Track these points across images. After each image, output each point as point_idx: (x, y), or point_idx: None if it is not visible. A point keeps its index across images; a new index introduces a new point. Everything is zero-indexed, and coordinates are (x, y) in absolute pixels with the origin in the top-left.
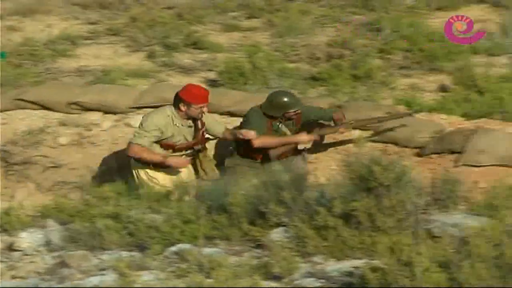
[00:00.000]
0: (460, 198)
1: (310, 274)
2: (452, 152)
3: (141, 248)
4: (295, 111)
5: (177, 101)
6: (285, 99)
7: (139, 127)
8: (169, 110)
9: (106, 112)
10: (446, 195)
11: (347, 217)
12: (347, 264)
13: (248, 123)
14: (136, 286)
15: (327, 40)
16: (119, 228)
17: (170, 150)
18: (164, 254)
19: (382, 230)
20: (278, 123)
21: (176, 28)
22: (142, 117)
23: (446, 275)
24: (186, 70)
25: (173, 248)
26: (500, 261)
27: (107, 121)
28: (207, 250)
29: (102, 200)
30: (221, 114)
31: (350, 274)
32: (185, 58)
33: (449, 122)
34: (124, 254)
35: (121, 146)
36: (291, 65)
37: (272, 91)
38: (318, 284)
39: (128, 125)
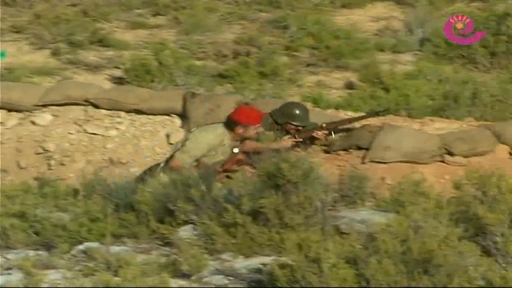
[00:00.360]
0: (367, 194)
1: (219, 272)
2: (359, 149)
3: (48, 247)
4: (296, 126)
5: (233, 124)
6: (296, 112)
7: (188, 140)
8: (221, 130)
9: (10, 110)
10: (353, 191)
11: (255, 214)
12: (255, 261)
13: None
14: (42, 285)
15: (234, 38)
16: (25, 227)
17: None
18: (71, 253)
19: (290, 227)
20: (279, 131)
21: (81, 25)
22: (192, 131)
23: (353, 271)
24: (91, 67)
25: (80, 247)
26: (406, 257)
27: (12, 119)
28: (115, 249)
29: (8, 199)
30: (128, 112)
31: (258, 271)
32: (90, 55)
33: None
34: (31, 253)
35: (26, 144)
36: (198, 63)
37: (292, 101)
38: (227, 282)
39: (33, 123)
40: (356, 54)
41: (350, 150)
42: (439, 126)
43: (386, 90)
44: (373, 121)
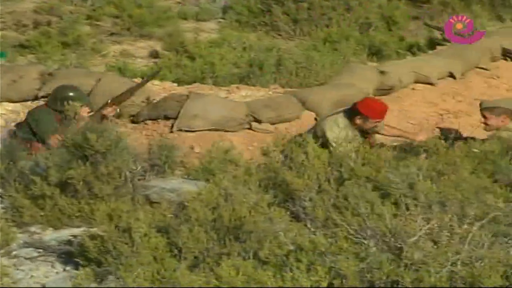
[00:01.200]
0: (176, 163)
1: (28, 244)
2: (167, 118)
3: None
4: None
5: (354, 113)
6: (71, 93)
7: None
8: (342, 121)
9: None
10: (162, 160)
11: (63, 186)
12: (65, 233)
13: (41, 124)
14: None
15: (33, 7)
16: None
17: None
18: None
19: (100, 198)
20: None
21: None
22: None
23: (165, 240)
24: None
25: None
26: (217, 224)
27: None
28: None
29: None
30: None
31: (68, 242)
32: None
33: (162, 88)
34: None
35: None
36: None
37: (56, 86)
38: (36, 254)
39: None
40: (160, 23)
41: (158, 120)
42: (245, 94)
43: (191, 58)
44: (179, 90)
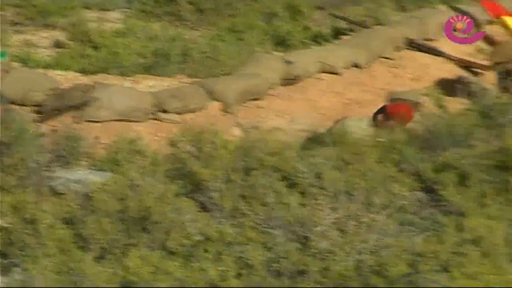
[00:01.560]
0: (82, 154)
1: None
2: (72, 108)
3: None
4: None
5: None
6: None
7: None
8: None
9: None
10: (68, 151)
11: None
12: None
13: None
14: None
15: None
16: None
17: None
18: None
19: (5, 189)
20: None
21: None
22: None
23: (71, 231)
24: None
25: None
26: (124, 215)
27: None
28: None
29: None
30: None
31: None
32: None
33: (67, 78)
34: None
35: None
36: None
37: None
38: None
39: None
40: (63, 13)
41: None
42: (151, 84)
43: (96, 48)
44: (84, 80)
